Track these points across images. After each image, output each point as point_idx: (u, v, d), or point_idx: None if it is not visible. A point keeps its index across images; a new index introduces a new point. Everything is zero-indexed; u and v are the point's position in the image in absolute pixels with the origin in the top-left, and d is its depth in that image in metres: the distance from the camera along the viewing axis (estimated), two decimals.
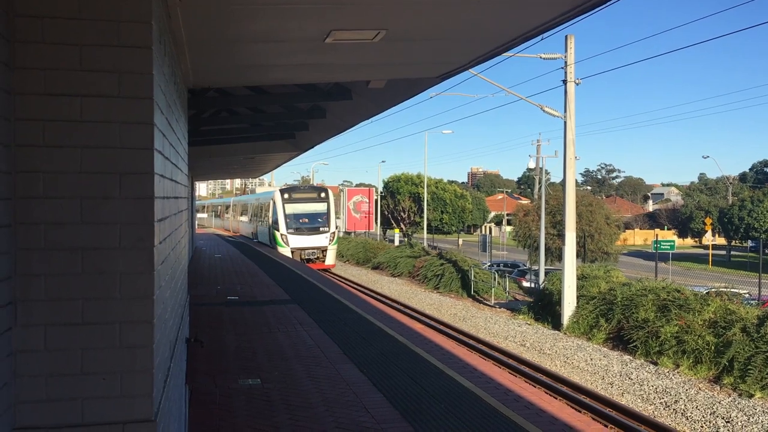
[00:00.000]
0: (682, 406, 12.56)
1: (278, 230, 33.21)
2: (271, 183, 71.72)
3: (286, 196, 33.89)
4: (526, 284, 30.88)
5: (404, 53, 6.20)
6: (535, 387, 10.27)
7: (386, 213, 56.32)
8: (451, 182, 69.01)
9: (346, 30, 5.01)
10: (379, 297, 24.76)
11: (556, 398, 10.14)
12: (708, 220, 52.16)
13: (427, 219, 51.52)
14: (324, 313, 13.29)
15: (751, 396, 12.67)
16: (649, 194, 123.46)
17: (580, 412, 10.55)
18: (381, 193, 57.17)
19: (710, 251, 50.62)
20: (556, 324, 20.00)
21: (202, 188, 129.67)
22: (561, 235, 22.68)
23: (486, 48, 6.03)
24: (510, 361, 15.23)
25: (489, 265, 33.21)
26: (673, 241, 33.26)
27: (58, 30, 2.82)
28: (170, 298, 4.05)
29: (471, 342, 17.28)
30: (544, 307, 21.73)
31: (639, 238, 72.52)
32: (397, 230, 53.65)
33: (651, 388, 13.65)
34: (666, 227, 66.71)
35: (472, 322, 21.55)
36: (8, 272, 2.71)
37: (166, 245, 3.72)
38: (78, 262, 2.85)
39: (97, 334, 2.87)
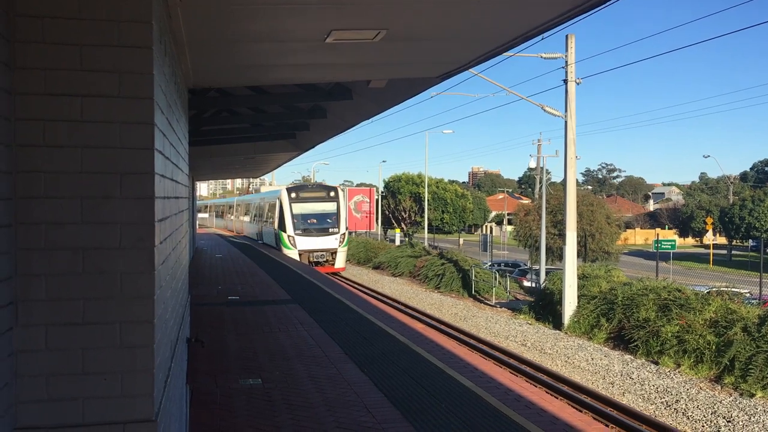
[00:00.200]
0: (683, 406, 12.55)
1: (285, 231, 31.22)
2: (272, 183, 71.70)
3: (293, 195, 31.84)
4: (527, 284, 30.89)
5: (405, 53, 6.20)
6: (536, 387, 10.27)
7: (387, 213, 56.35)
8: (452, 182, 69.06)
9: (346, 30, 5.01)
10: (380, 297, 24.76)
11: (557, 398, 10.14)
12: (709, 220, 52.10)
13: (428, 219, 51.55)
14: (325, 312, 13.29)
15: (752, 395, 12.67)
16: (650, 194, 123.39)
17: (581, 411, 10.54)
18: (382, 192, 57.20)
19: (711, 251, 50.59)
20: (557, 323, 19.99)
21: (203, 188, 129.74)
22: (562, 235, 22.68)
23: (486, 48, 6.03)
24: (511, 361, 15.23)
25: (490, 265, 33.17)
26: (674, 241, 33.22)
27: (58, 30, 2.81)
28: (171, 297, 4.05)
29: (472, 342, 17.27)
30: (545, 306, 21.72)
31: (640, 237, 72.47)
32: (397, 230, 53.68)
33: (652, 387, 13.65)
34: (667, 227, 66.67)
35: (473, 322, 21.54)
36: (9, 272, 2.71)
37: (167, 245, 3.72)
38: (78, 262, 2.85)
39: (98, 334, 2.87)
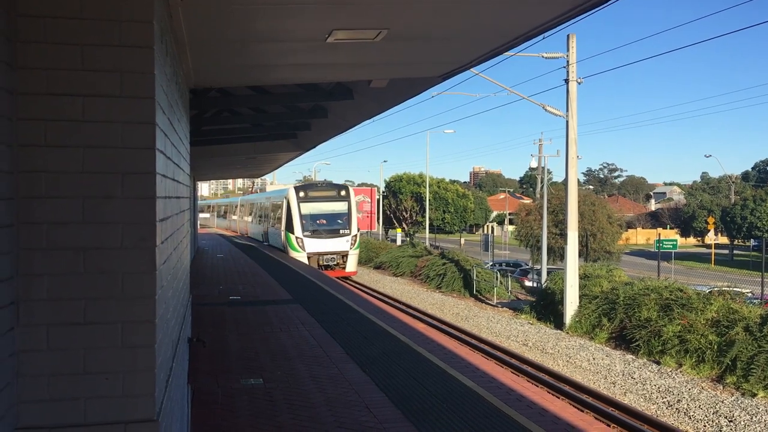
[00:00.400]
0: (685, 406, 12.54)
1: (293, 233, 29.10)
2: (273, 182, 71.75)
3: (301, 194, 29.68)
4: (528, 284, 30.89)
5: (406, 53, 6.20)
6: (537, 386, 10.26)
7: (388, 213, 56.35)
8: (453, 182, 69.06)
9: (347, 29, 5.00)
10: (381, 297, 24.75)
11: (558, 398, 10.14)
12: (710, 219, 52.06)
13: (429, 218, 51.55)
14: (326, 312, 13.29)
15: (753, 395, 12.65)
16: (652, 193, 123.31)
17: (582, 411, 10.53)
18: (383, 192, 57.21)
19: (713, 250, 50.56)
20: (559, 323, 19.98)
21: (204, 188, 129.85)
22: (563, 235, 22.67)
23: (487, 47, 6.03)
24: (512, 361, 15.22)
25: (491, 265, 33.17)
26: (676, 241, 33.19)
27: (59, 30, 2.81)
28: (172, 297, 4.05)
29: (473, 342, 17.26)
30: (546, 306, 21.71)
31: (641, 237, 72.39)
32: (399, 230, 53.70)
33: (654, 387, 13.64)
34: (668, 226, 66.64)
35: (475, 322, 21.54)
36: (10, 272, 2.71)
37: (168, 245, 3.72)
38: (80, 262, 2.85)
39: (99, 333, 2.87)
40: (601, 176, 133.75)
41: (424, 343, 10.36)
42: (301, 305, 14.24)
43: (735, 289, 18.13)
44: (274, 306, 14.16)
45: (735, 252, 53.84)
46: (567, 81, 20.22)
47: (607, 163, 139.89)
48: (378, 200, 52.80)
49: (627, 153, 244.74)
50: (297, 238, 28.98)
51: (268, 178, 72.20)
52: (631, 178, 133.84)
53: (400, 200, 54.82)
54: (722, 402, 12.42)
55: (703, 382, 13.73)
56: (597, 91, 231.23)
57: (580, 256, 22.42)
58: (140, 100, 2.91)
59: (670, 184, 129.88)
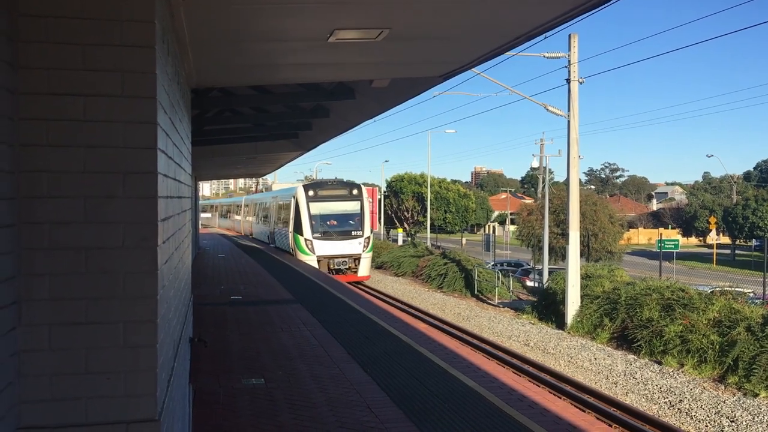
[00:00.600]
0: (687, 406, 12.53)
1: (301, 234, 27.19)
2: (275, 182, 71.74)
3: (311, 193, 27.79)
4: (529, 283, 30.87)
5: (407, 52, 6.20)
6: (539, 386, 10.25)
7: (389, 212, 56.30)
8: (454, 182, 68.98)
9: (349, 29, 5.00)
10: (382, 297, 24.73)
11: (560, 398, 10.13)
12: (712, 219, 52.01)
13: (431, 218, 51.51)
14: (328, 312, 13.29)
15: (755, 395, 12.63)
16: (653, 193, 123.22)
17: (584, 411, 10.51)
18: (384, 192, 57.16)
19: (714, 250, 50.48)
20: (560, 323, 19.97)
21: (206, 188, 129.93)
22: (565, 235, 22.64)
23: (489, 47, 6.02)
24: (514, 361, 15.21)
25: (492, 265, 33.15)
26: (677, 240, 33.14)
27: (61, 29, 2.82)
28: (174, 297, 4.05)
29: (475, 341, 17.26)
30: (547, 306, 21.70)
31: (643, 237, 72.34)
32: (400, 230, 53.66)
33: (655, 387, 13.62)
34: (670, 226, 66.58)
35: (476, 322, 21.53)
36: (12, 272, 2.72)
37: (170, 245, 3.72)
38: (82, 262, 2.85)
39: (101, 333, 2.87)
40: (603, 176, 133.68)
41: (425, 343, 10.35)
42: (302, 305, 14.24)
43: (737, 289, 18.10)
44: (276, 306, 14.17)
45: (737, 252, 53.75)
46: (568, 81, 20.21)
47: (609, 163, 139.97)
48: (379, 200, 52.77)
49: (628, 153, 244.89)
50: (306, 240, 27.20)
51: (269, 177, 72.27)
52: (632, 178, 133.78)
53: (402, 200, 54.78)
54: (724, 402, 12.41)
55: (705, 383, 13.71)
56: (598, 91, 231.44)
57: (581, 255, 22.40)
58: (142, 100, 2.91)
59: (672, 184, 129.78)
